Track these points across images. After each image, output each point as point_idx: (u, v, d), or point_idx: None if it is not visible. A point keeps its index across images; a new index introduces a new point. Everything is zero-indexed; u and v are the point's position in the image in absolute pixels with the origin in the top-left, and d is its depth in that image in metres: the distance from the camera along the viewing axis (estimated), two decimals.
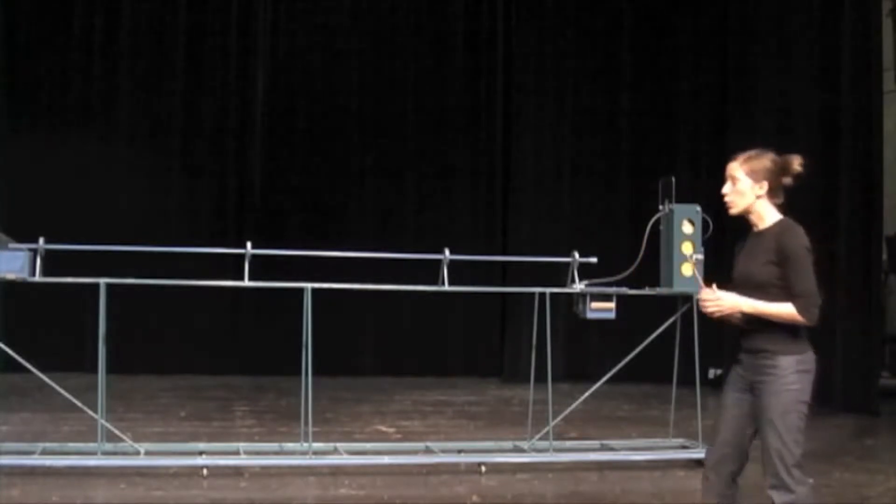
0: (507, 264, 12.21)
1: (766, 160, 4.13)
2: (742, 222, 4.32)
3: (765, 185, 4.09)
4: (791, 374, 3.98)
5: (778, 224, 4.10)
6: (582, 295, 7.01)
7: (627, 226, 11.74)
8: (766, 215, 4.12)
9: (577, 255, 7.07)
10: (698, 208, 7.12)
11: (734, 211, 4.16)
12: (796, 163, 4.13)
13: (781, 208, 4.14)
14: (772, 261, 4.01)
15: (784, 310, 3.99)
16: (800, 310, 3.99)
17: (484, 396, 11.25)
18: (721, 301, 4.06)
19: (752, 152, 4.18)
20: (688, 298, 7.21)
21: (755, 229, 4.15)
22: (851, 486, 6.61)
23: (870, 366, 10.04)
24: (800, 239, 4.01)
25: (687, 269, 6.95)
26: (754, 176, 4.12)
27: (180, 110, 12.76)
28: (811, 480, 4.03)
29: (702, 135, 12.78)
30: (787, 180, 4.13)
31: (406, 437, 8.15)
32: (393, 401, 10.48)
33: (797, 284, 3.97)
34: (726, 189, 4.16)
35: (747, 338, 4.12)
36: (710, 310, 4.09)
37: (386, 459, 6.91)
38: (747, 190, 4.11)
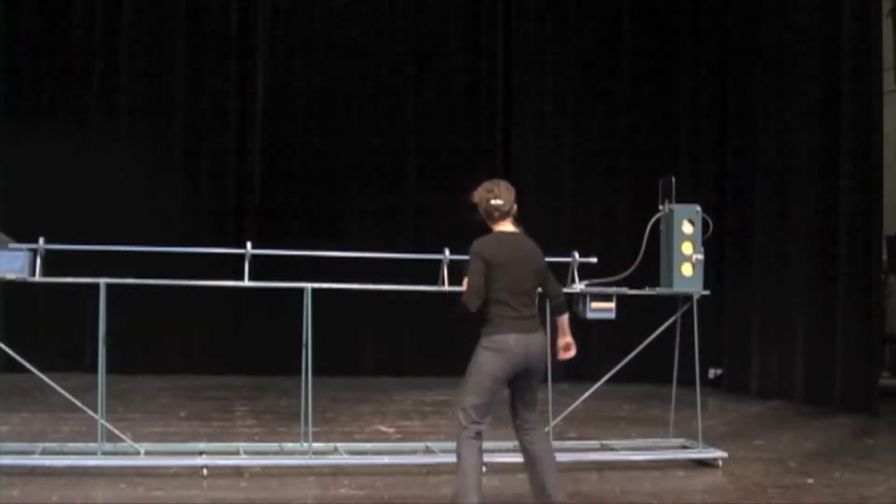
0: None
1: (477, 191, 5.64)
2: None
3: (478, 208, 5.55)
4: (478, 348, 5.37)
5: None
6: (582, 295, 7.01)
7: (627, 226, 11.74)
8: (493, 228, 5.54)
9: (577, 255, 7.08)
10: (698, 208, 7.13)
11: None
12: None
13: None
14: None
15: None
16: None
17: None
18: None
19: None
20: (687, 298, 7.21)
21: None
22: (851, 486, 6.61)
23: (870, 366, 10.04)
24: (479, 241, 5.41)
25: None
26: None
27: (180, 110, 12.77)
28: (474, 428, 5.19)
29: (702, 135, 12.78)
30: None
31: (406, 437, 8.15)
32: (393, 401, 10.48)
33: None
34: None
35: None
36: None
37: (386, 459, 6.91)
38: None
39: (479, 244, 5.35)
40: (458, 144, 13.34)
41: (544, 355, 5.36)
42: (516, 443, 7.30)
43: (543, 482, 5.31)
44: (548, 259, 7.72)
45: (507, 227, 5.49)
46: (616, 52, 13.16)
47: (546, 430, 7.06)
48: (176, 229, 11.91)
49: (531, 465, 5.38)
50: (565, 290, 7.05)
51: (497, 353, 5.26)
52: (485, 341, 5.34)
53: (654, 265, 7.23)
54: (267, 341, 11.95)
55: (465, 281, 5.33)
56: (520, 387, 5.34)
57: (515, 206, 5.50)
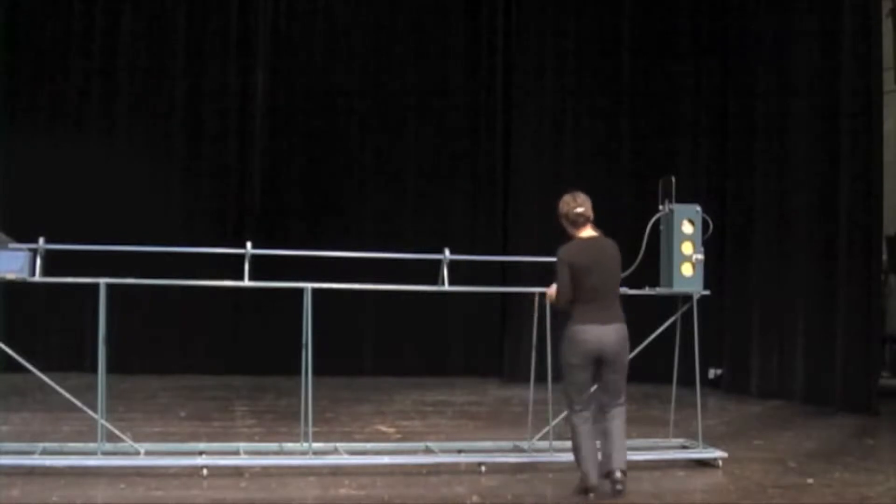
0: (506, 264, 12.22)
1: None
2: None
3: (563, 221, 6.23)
4: (562, 340, 6.12)
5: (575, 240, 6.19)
6: None
7: (627, 226, 11.69)
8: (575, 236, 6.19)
9: None
10: (698, 208, 7.12)
11: None
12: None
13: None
14: None
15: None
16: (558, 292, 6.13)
17: (484, 396, 11.25)
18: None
19: None
20: (687, 298, 7.21)
21: None
22: (851, 486, 6.60)
23: (870, 366, 10.04)
24: (564, 247, 6.11)
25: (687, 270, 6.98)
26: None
27: (180, 110, 12.78)
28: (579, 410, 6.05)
29: (702, 134, 12.77)
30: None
31: (406, 437, 8.15)
32: (393, 401, 10.48)
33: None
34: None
35: None
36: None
37: (386, 459, 6.91)
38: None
39: (564, 251, 6.09)
40: (458, 145, 13.36)
41: (620, 344, 6.04)
42: (516, 443, 7.39)
43: (609, 454, 6.02)
44: (548, 259, 7.79)
45: (588, 232, 6.19)
46: (616, 52, 13.15)
47: (546, 430, 7.09)
48: (176, 229, 11.90)
49: (602, 437, 6.10)
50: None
51: (571, 342, 6.04)
52: (566, 332, 6.09)
53: (654, 265, 7.23)
54: (267, 341, 11.95)
55: (554, 285, 6.17)
56: (600, 372, 6.08)
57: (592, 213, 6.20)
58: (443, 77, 13.35)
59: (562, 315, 6.22)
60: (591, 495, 6.02)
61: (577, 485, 6.11)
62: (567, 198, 6.21)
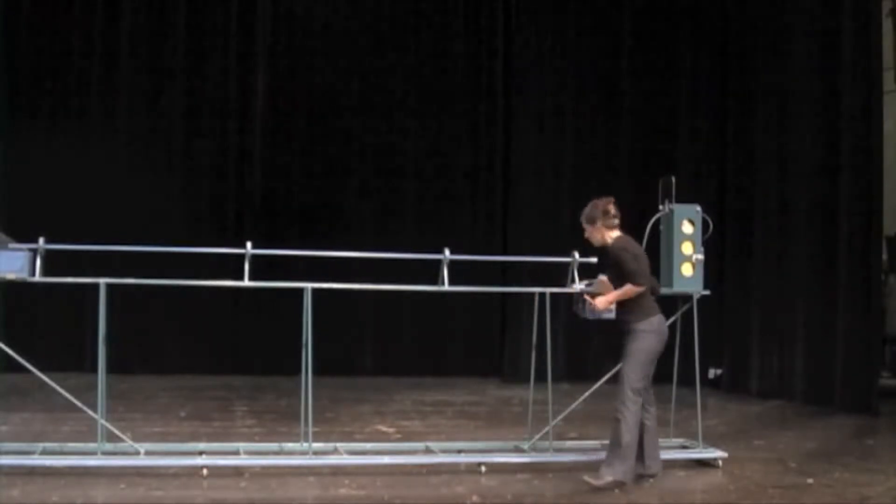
0: (507, 264, 12.21)
1: (592, 209, 6.48)
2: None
3: (598, 223, 6.44)
4: (640, 334, 6.24)
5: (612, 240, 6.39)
6: (582, 295, 7.01)
7: (627, 226, 11.71)
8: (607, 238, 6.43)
9: (577, 255, 7.07)
10: (698, 208, 7.13)
11: (596, 244, 6.53)
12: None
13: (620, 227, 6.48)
14: (610, 264, 6.38)
15: (626, 289, 6.23)
16: (632, 282, 6.18)
17: (484, 396, 11.25)
18: (595, 304, 6.41)
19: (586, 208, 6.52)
20: (688, 298, 7.21)
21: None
22: (851, 486, 6.60)
23: (870, 366, 10.04)
24: (618, 243, 6.33)
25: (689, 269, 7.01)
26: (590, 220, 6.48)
27: (180, 110, 12.77)
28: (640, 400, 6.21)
29: (702, 135, 12.77)
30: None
31: (406, 437, 8.15)
32: (393, 401, 10.48)
33: (624, 269, 6.24)
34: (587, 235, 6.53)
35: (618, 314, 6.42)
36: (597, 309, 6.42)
37: (386, 459, 6.91)
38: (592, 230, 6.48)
39: (624, 243, 6.39)
40: (457, 145, 13.36)
41: None
42: (516, 443, 7.39)
43: (647, 454, 6.36)
44: (548, 259, 7.81)
45: (619, 232, 6.49)
46: (616, 52, 13.15)
47: (546, 430, 7.09)
48: (176, 229, 11.88)
49: (640, 435, 6.34)
50: (565, 290, 7.10)
51: (656, 334, 6.27)
52: (643, 325, 6.25)
53: (655, 265, 7.23)
54: (267, 341, 11.95)
55: (626, 268, 6.34)
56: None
57: None
58: (443, 77, 13.34)
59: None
60: (617, 491, 6.13)
61: (608, 479, 6.17)
62: (599, 203, 6.48)
